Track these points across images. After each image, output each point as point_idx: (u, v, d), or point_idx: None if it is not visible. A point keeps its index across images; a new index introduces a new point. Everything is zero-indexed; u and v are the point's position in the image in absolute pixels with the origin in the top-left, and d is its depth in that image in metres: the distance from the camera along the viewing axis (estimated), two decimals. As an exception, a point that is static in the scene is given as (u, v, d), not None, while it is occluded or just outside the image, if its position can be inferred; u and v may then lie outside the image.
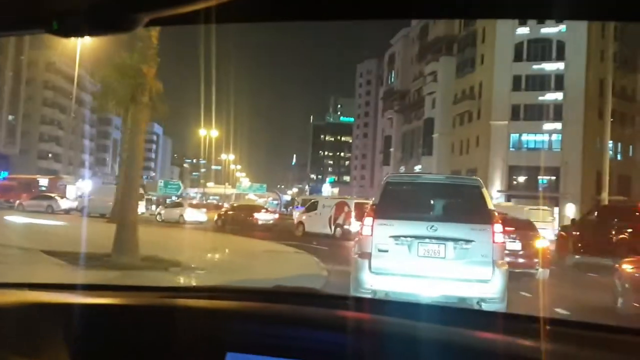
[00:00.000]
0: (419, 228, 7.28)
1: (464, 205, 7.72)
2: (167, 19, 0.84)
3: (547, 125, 54.06)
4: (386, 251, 7.28)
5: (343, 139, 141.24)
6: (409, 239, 7.25)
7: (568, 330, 1.36)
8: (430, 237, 7.21)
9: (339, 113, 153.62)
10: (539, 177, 53.22)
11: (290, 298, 1.61)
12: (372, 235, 7.36)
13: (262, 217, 31.38)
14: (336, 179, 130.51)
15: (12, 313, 1.35)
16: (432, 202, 7.91)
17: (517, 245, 12.70)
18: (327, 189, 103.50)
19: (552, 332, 1.29)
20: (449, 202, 7.94)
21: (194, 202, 52.61)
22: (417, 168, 69.66)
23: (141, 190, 39.42)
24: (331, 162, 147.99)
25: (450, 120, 63.52)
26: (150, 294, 1.66)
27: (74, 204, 36.51)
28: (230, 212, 32.12)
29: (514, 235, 12.78)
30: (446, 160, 62.65)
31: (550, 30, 52.99)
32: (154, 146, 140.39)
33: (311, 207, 28.89)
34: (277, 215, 35.09)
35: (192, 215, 34.09)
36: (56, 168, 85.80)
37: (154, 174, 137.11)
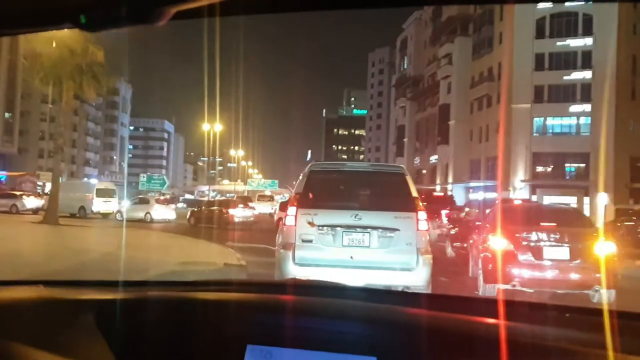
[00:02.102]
0: (343, 217, 7.17)
1: (388, 193, 7.53)
2: (192, 11, 0.85)
3: (574, 108, 49.42)
4: (310, 241, 7.18)
5: (357, 132, 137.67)
6: (333, 228, 7.17)
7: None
8: (354, 226, 7.15)
9: (352, 106, 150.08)
10: (567, 164, 48.72)
11: (308, 290, 1.60)
12: (295, 225, 7.21)
13: (238, 213, 27.29)
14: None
15: (28, 309, 1.37)
16: (356, 190, 7.65)
17: (563, 252, 8.53)
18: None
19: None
20: (373, 191, 7.65)
21: (210, 198, 48.55)
22: (433, 158, 65.48)
23: (112, 186, 36.21)
24: (345, 156, 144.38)
25: (468, 105, 59.18)
26: (167, 288, 1.63)
27: (41, 203, 32.97)
28: (205, 209, 28.16)
29: (557, 235, 8.67)
30: (464, 148, 58.33)
31: (575, 2, 48.21)
32: (165, 144, 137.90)
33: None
34: (256, 212, 31.22)
35: (159, 213, 30.48)
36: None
37: (164, 172, 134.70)
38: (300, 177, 7.96)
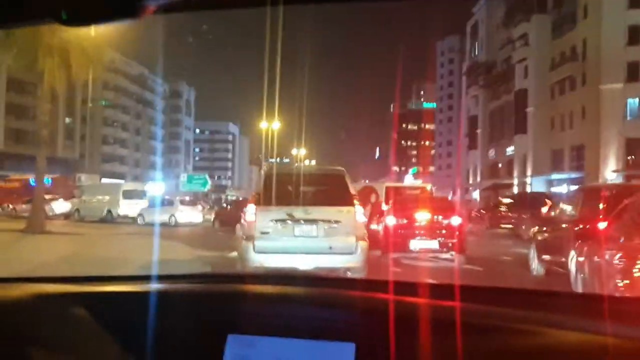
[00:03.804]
0: (294, 212, 8.49)
1: (331, 191, 8.91)
2: (176, 4, 0.87)
3: (677, 85, 42.54)
4: (267, 233, 8.43)
5: (427, 126, 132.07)
6: (286, 221, 8.46)
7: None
8: (304, 220, 8.47)
9: (421, 99, 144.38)
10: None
11: (287, 280, 1.66)
12: (255, 220, 8.48)
13: None
14: (420, 169, 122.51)
15: (16, 306, 1.40)
16: (305, 189, 8.76)
17: None
18: (409, 181, 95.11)
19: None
20: (319, 189, 9.10)
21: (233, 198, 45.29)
22: (510, 149, 59.56)
23: (141, 187, 33.50)
24: (415, 152, 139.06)
25: (547, 90, 53.02)
26: (147, 282, 1.65)
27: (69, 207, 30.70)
28: (233, 209, 24.42)
29: None
30: (544, 137, 52.26)
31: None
32: (230, 146, 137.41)
33: None
34: None
35: (184, 215, 27.23)
36: (122, 171, 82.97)
37: (230, 174, 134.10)
38: (258, 179, 9.62)
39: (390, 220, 13.13)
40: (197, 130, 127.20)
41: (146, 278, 1.69)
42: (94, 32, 20.78)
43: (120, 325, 1.34)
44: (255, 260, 8.25)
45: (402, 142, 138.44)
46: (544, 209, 21.53)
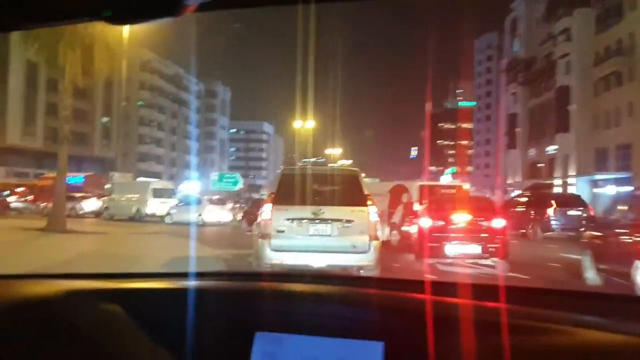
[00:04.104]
0: (309, 211, 8.71)
1: (345, 191, 9.00)
2: (216, 2, 0.88)
3: None
4: (283, 231, 8.65)
5: (464, 125, 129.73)
6: (301, 221, 8.70)
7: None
8: (318, 219, 8.68)
9: (458, 98, 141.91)
10: None
11: (315, 279, 1.68)
12: (271, 219, 8.67)
13: None
14: (458, 169, 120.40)
15: (49, 303, 1.40)
16: (319, 189, 9.13)
17: None
18: (446, 181, 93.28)
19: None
20: (333, 189, 9.18)
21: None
22: (551, 149, 57.48)
23: (170, 185, 33.11)
24: (452, 151, 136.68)
25: (591, 86, 50.90)
26: (175, 279, 1.68)
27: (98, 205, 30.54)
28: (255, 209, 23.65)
29: None
30: (587, 136, 50.19)
31: None
32: (264, 146, 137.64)
33: None
34: None
35: (212, 215, 26.40)
36: (158, 170, 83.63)
37: (264, 173, 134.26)
38: (274, 179, 10.01)
39: (425, 222, 12.06)
40: (233, 130, 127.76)
41: (176, 275, 1.71)
42: (122, 30, 20.48)
43: (149, 322, 1.35)
44: (271, 258, 8.57)
45: (439, 141, 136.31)
46: (550, 211, 20.69)
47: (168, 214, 26.98)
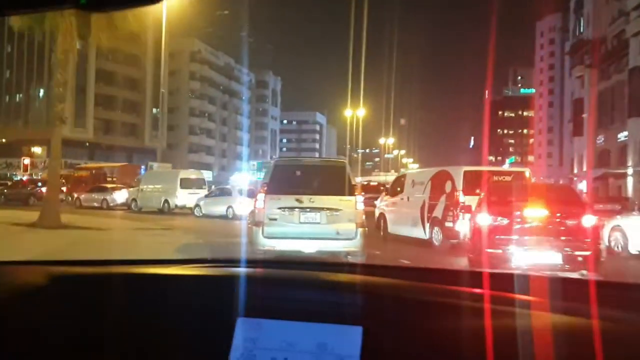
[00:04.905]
0: (300, 200, 9.28)
1: (333, 181, 9.55)
2: None
3: None
4: (275, 219, 9.22)
5: (525, 113, 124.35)
6: (292, 209, 9.27)
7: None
8: (308, 207, 9.27)
9: (518, 85, 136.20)
10: None
11: (295, 265, 1.74)
12: (264, 207, 9.25)
13: None
14: (518, 159, 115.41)
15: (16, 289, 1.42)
16: (309, 179, 9.73)
17: None
18: (504, 168, 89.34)
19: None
20: (322, 179, 9.73)
21: None
22: (623, 135, 52.94)
23: (201, 175, 31.26)
24: (512, 140, 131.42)
25: (669, 66, 46.14)
26: (159, 266, 1.67)
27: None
28: None
29: None
30: (666, 121, 45.55)
31: None
32: (317, 136, 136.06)
33: (395, 186, 17.00)
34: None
35: (245, 207, 23.86)
36: (209, 162, 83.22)
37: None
38: (267, 170, 10.93)
39: (483, 220, 9.17)
40: (285, 121, 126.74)
41: (158, 262, 1.71)
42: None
43: (131, 308, 1.35)
44: (264, 244, 9.18)
45: (498, 130, 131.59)
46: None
47: (197, 205, 25.02)
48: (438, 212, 13.62)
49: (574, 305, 1.19)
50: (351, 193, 9.36)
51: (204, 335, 1.29)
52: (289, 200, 9.26)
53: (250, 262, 1.77)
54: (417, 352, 1.15)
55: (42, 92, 63.81)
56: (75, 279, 1.48)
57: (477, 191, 12.75)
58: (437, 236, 13.58)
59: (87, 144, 64.36)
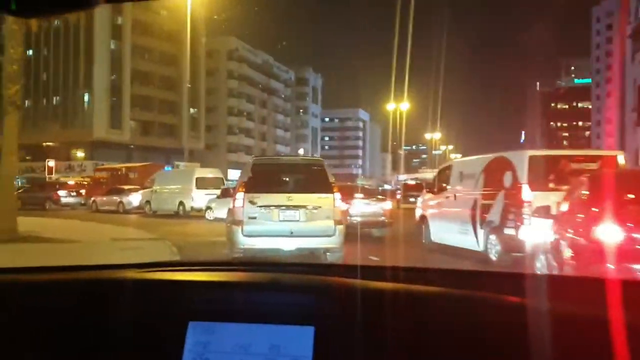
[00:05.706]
0: (279, 199, 9.40)
1: (312, 180, 9.77)
2: None
3: None
4: (254, 218, 9.26)
5: (580, 104, 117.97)
6: (271, 207, 9.32)
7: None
8: (287, 206, 9.35)
9: (572, 76, 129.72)
10: None
11: (248, 266, 1.76)
12: (243, 206, 9.26)
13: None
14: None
15: None
16: (288, 178, 10.03)
17: None
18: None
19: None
20: (301, 178, 10.00)
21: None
22: (696, 123, 47.89)
23: (218, 174, 28.51)
24: (566, 133, 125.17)
25: None
26: (112, 271, 1.66)
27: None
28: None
29: None
30: None
31: None
32: (360, 134, 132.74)
33: (440, 180, 13.76)
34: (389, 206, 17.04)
35: None
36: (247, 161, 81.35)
37: (360, 162, 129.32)
38: (245, 169, 10.24)
39: (611, 232, 5.84)
40: (326, 119, 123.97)
41: (113, 267, 1.68)
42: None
43: (80, 314, 1.33)
44: (243, 243, 9.25)
45: (551, 123, 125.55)
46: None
47: (208, 208, 22.34)
48: (494, 215, 10.39)
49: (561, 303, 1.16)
50: (330, 191, 9.50)
51: (156, 340, 1.25)
52: (268, 198, 9.36)
53: (203, 265, 1.71)
54: (369, 350, 1.15)
55: (80, 95, 62.92)
56: (22, 286, 1.45)
57: (551, 185, 9.56)
58: (493, 247, 10.42)
59: (131, 146, 63.12)
